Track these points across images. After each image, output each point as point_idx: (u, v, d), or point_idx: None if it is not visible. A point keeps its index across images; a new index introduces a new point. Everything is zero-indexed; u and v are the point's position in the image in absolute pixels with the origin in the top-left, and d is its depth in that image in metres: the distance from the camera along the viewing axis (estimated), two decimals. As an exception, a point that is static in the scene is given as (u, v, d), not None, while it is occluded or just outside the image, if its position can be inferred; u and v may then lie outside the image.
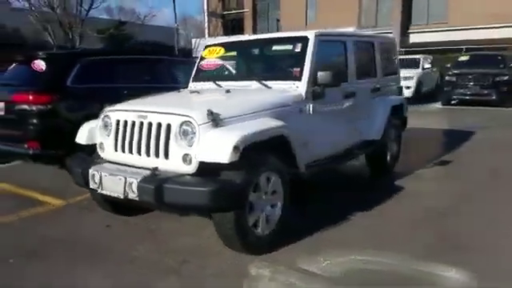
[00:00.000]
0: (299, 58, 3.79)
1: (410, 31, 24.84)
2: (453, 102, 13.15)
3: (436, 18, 23.74)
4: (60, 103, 4.77)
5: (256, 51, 4.36)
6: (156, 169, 2.89)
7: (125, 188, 2.88)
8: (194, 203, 2.73)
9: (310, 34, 3.85)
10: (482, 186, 4.68)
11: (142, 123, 3.10)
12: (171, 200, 2.72)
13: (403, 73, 13.43)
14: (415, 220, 3.71)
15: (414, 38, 24.57)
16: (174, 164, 2.91)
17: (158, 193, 2.71)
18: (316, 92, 3.73)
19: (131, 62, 5.61)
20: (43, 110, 4.70)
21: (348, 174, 5.46)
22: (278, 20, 29.07)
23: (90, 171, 3.15)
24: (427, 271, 2.79)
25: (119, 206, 3.63)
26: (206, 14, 34.93)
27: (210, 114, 2.86)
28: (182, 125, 2.89)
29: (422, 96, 14.16)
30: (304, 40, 3.84)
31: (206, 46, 4.55)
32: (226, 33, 33.21)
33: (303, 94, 3.66)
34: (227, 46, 4.38)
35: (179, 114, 2.93)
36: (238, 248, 3.01)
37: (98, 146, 3.44)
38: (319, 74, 3.68)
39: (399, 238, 3.33)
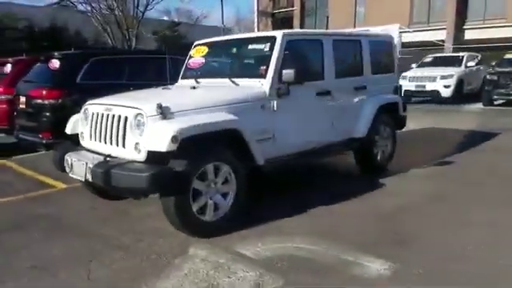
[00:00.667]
0: (267, 57, 3.99)
1: (465, 27, 23.62)
2: (495, 102, 12.47)
3: (494, 14, 22.36)
4: (70, 98, 5.34)
5: (232, 50, 4.59)
6: (109, 155, 3.26)
7: (85, 172, 3.29)
8: (135, 187, 3.06)
9: (278, 34, 4.04)
10: (464, 188, 4.57)
11: (108, 115, 3.49)
12: (116, 183, 3.08)
13: (439, 71, 13.16)
14: (373, 216, 3.77)
15: (469, 35, 23.33)
16: (129, 152, 3.26)
17: (106, 177, 3.07)
18: (281, 89, 3.91)
19: (137, 61, 6.08)
20: (54, 104, 5.29)
21: (335, 170, 5.57)
22: (327, 17, 28.88)
23: (65, 157, 3.59)
24: (353, 261, 2.92)
25: (102, 191, 4.05)
26: (256, 13, 35.48)
27: (159, 107, 3.17)
28: (136, 117, 3.24)
29: (463, 96, 13.53)
30: (272, 39, 4.03)
31: (195, 46, 4.87)
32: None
33: (267, 91, 3.86)
34: (210, 46, 4.67)
35: (134, 107, 3.28)
36: (186, 231, 3.30)
37: (79, 135, 3.89)
38: (283, 72, 3.86)
39: (346, 231, 3.44)
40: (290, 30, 4.18)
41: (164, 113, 3.18)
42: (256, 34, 4.58)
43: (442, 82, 13.07)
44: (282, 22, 34.19)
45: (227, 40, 4.65)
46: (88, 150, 3.71)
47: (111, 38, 29.19)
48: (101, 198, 4.22)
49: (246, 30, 44.90)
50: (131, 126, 3.26)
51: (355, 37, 5.07)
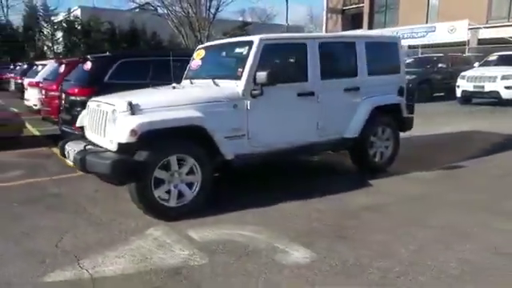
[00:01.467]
0: (244, 60, 4.31)
1: (555, 23, 21.41)
2: None
3: None
4: (97, 96, 6.08)
5: (221, 54, 4.95)
6: (88, 144, 3.83)
7: (73, 158, 3.90)
8: (102, 172, 3.60)
9: (255, 38, 4.34)
10: (449, 193, 4.48)
11: (97, 110, 4.08)
12: (89, 169, 3.63)
13: (501, 70, 12.24)
14: (333, 213, 3.93)
15: (560, 32, 21.09)
16: (107, 142, 3.81)
17: (82, 162, 3.64)
18: (255, 90, 4.20)
19: (160, 62, 6.68)
20: (85, 101, 6.05)
21: (331, 169, 5.74)
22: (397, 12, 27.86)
23: (65, 146, 4.25)
24: (282, 249, 3.17)
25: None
26: (325, 10, 35.21)
27: (129, 104, 3.66)
28: (112, 112, 3.77)
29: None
30: (249, 44, 4.34)
31: (197, 49, 5.33)
32: (345, 29, 33.10)
33: (240, 91, 4.18)
34: (206, 50, 5.11)
35: (112, 104, 3.82)
36: (150, 214, 3.77)
37: (84, 127, 4.55)
38: (257, 74, 4.16)
39: (296, 225, 3.65)
40: (268, 35, 4.46)
41: (133, 109, 3.67)
42: (237, 39, 4.89)
43: (502, 82, 12.16)
44: (353, 18, 33.61)
45: (218, 44, 5.04)
46: (89, 140, 4.34)
47: (185, 39, 30.95)
48: (105, 183, 4.84)
49: (318, 27, 44.79)
50: (109, 120, 3.80)
51: (349, 39, 5.16)
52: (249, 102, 4.21)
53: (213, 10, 31.26)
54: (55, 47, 27.94)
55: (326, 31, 34.60)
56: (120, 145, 3.62)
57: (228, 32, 33.78)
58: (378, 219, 3.77)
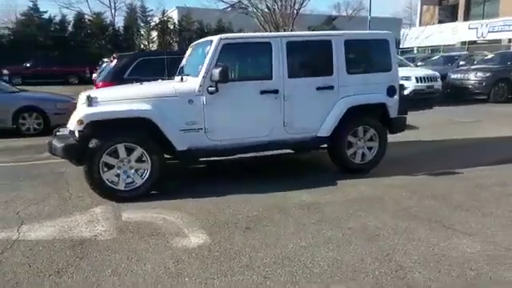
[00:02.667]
0: (205, 58, 4.60)
1: None
2: None
3: None
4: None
5: (198, 51, 5.21)
6: (57, 131, 4.47)
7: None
8: (58, 154, 4.21)
9: (215, 38, 4.60)
10: (404, 200, 4.27)
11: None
12: (52, 151, 4.27)
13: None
14: (261, 207, 4.05)
15: None
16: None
17: (49, 146, 4.30)
18: (211, 87, 4.48)
19: (176, 60, 7.22)
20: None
21: (314, 166, 5.77)
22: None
23: (57, 132, 4.98)
24: (185, 233, 3.47)
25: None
26: (420, 1, 33.07)
27: (87, 97, 4.22)
28: (79, 104, 4.38)
29: None
30: (210, 43, 4.62)
31: (190, 46, 5.74)
32: (442, 21, 30.83)
33: (196, 87, 4.49)
34: (192, 47, 5.51)
35: (80, 98, 4.42)
36: (98, 194, 4.28)
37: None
38: (212, 71, 4.43)
39: (219, 213, 3.90)
40: (229, 35, 4.69)
41: (90, 102, 4.22)
42: (205, 38, 5.14)
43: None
44: (451, 9, 31.14)
45: (197, 43, 5.38)
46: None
47: (269, 35, 31.49)
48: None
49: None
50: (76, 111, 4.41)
51: (324, 37, 5.10)
52: (205, 97, 4.50)
53: (297, 6, 31.29)
54: (150, 46, 30.60)
55: (421, 24, 32.57)
56: (79, 132, 4.20)
57: (313, 27, 33.62)
58: (301, 216, 3.82)
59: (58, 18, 28.13)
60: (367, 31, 6.67)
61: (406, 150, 6.62)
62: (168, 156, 4.71)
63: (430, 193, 4.42)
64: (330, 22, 35.19)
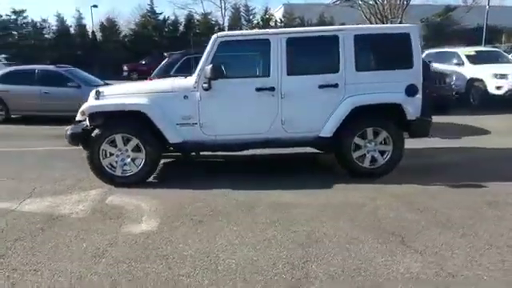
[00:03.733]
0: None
1: None
2: None
3: None
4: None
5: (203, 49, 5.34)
6: (76, 122, 5.04)
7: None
8: (67, 141, 4.77)
9: (213, 36, 4.73)
10: (381, 210, 3.91)
11: (94, 96, 5.30)
12: (66, 139, 4.85)
13: None
14: (229, 203, 4.12)
15: None
16: (88, 120, 4.99)
17: (65, 134, 4.90)
18: (205, 83, 4.64)
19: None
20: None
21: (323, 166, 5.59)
22: None
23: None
24: (140, 219, 3.72)
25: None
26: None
27: (96, 92, 4.73)
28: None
29: None
30: (209, 41, 4.76)
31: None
32: None
33: (192, 84, 4.70)
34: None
35: (92, 92, 4.97)
36: (97, 177, 4.75)
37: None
38: (205, 68, 4.60)
39: (182, 207, 4.05)
40: (226, 32, 4.80)
41: (97, 96, 4.72)
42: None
43: None
44: None
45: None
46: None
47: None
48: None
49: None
50: (89, 104, 4.97)
51: (329, 33, 4.83)
52: (200, 94, 4.69)
53: (407, -4, 29.27)
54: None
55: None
56: (90, 121, 4.73)
57: (425, 19, 31.14)
58: (261, 214, 3.79)
59: (171, 19, 30.68)
60: (386, 25, 5.99)
61: (448, 156, 5.95)
62: (172, 148, 5.02)
63: (424, 206, 3.96)
64: (446, 12, 32.15)
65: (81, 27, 29.79)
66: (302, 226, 3.52)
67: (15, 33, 29.31)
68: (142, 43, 28.76)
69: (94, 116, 4.60)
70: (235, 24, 31.49)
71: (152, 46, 28.69)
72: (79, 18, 29.77)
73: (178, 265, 2.90)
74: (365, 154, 4.90)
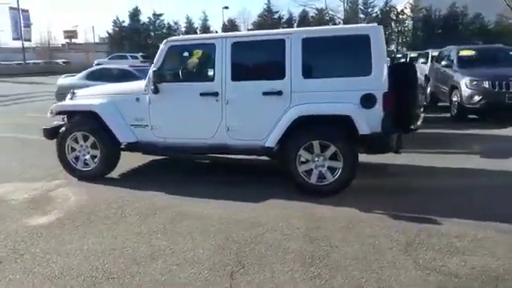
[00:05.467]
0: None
1: None
2: None
3: None
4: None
5: None
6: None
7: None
8: (43, 135, 5.35)
9: (164, 40, 4.80)
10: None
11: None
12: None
13: None
14: (157, 206, 4.21)
15: None
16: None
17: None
18: (152, 87, 4.77)
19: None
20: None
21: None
22: None
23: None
24: (60, 209, 4.08)
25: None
26: None
27: (71, 92, 5.27)
28: (68, 98, 5.49)
29: None
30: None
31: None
32: None
33: (143, 87, 4.86)
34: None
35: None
36: (67, 171, 5.24)
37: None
38: (149, 72, 4.75)
39: (116, 203, 4.28)
40: (175, 37, 4.76)
41: (72, 96, 5.24)
42: None
43: None
44: None
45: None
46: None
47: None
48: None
49: None
50: (68, 103, 5.52)
51: (276, 36, 4.42)
52: (150, 97, 4.83)
53: None
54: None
55: None
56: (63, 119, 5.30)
57: None
58: (144, 223, 3.80)
59: (285, 17, 31.10)
60: (342, 26, 4.99)
61: (421, 178, 5.01)
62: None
63: (325, 235, 3.45)
64: None
65: (205, 29, 32.29)
66: (159, 240, 3.44)
67: (153, 34, 33.38)
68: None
69: (59, 115, 5.14)
70: (353, 18, 30.37)
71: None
72: (204, 20, 32.29)
73: (26, 262, 3.10)
74: (312, 169, 4.44)
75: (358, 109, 4.22)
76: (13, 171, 5.64)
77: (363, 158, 4.58)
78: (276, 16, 31.37)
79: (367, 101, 4.23)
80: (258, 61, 4.69)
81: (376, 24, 4.32)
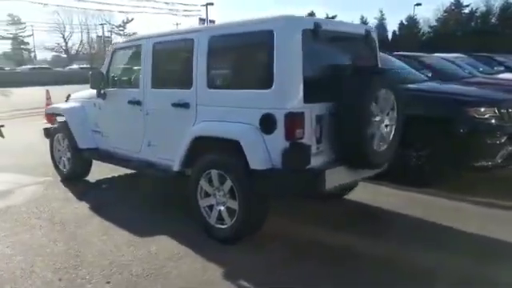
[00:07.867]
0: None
1: None
2: None
3: None
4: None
5: None
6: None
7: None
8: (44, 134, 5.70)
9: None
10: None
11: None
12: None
13: None
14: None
15: None
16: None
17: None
18: (100, 92, 4.52)
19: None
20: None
21: None
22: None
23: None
24: (28, 198, 4.34)
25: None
26: None
27: (67, 96, 5.52)
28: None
29: None
30: None
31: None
32: None
33: (96, 91, 4.61)
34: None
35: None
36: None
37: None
38: None
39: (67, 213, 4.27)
40: (121, 40, 4.34)
41: (67, 99, 5.49)
42: None
43: None
44: None
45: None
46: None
47: None
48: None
49: None
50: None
51: (187, 35, 3.47)
52: (99, 102, 4.62)
53: None
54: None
55: None
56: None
57: None
58: (59, 232, 3.58)
59: (480, 11, 26.08)
60: (252, 19, 3.02)
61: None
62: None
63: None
64: None
65: (381, 28, 30.14)
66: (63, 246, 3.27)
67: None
68: (441, 41, 26.00)
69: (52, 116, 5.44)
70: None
71: (450, 45, 25.59)
72: (381, 19, 30.19)
73: None
74: (213, 205, 3.43)
75: (253, 133, 3.02)
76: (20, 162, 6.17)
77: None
78: (466, 10, 26.50)
79: (265, 123, 2.99)
80: (173, 65, 3.90)
81: (290, 15, 2.97)
